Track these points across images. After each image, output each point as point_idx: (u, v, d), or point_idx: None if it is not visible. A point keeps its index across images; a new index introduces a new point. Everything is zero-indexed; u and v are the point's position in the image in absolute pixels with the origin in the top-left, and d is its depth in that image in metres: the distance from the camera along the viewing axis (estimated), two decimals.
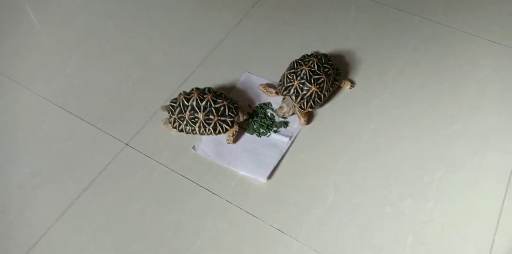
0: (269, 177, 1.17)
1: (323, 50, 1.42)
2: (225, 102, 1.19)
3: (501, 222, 1.08)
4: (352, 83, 1.34)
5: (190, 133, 1.22)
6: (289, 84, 1.24)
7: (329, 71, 1.26)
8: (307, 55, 1.29)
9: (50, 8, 1.60)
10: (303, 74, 1.22)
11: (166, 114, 1.27)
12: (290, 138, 1.24)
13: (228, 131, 1.22)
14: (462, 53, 1.42)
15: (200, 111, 1.18)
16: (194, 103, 1.18)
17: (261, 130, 1.25)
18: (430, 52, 1.42)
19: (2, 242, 1.10)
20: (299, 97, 1.23)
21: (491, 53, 1.41)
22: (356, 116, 1.29)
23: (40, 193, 1.17)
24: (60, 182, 1.18)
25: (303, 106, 1.24)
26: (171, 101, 1.24)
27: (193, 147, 1.23)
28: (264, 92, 1.31)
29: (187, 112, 1.19)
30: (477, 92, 1.32)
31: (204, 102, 1.18)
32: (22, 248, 1.09)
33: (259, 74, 1.38)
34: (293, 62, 1.28)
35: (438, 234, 1.07)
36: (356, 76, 1.37)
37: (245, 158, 1.21)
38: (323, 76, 1.23)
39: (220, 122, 1.19)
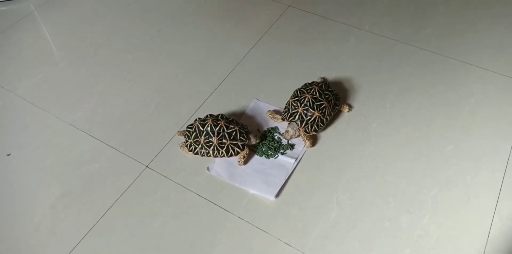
0: (277, 195, 1.25)
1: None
2: (236, 128, 1.29)
3: (491, 235, 1.15)
4: (350, 107, 1.44)
5: (204, 155, 1.31)
6: (294, 111, 1.35)
7: (330, 97, 1.36)
8: (308, 83, 1.39)
9: (74, 44, 1.71)
10: (306, 101, 1.33)
11: (182, 139, 1.38)
12: (296, 159, 1.33)
13: (239, 153, 1.31)
14: (454, 79, 1.50)
15: (214, 136, 1.27)
16: (209, 128, 1.28)
17: (269, 152, 1.35)
18: (424, 79, 1.51)
19: None
20: (304, 122, 1.33)
21: (481, 79, 1.50)
22: (357, 138, 1.37)
23: (69, 212, 1.25)
24: (87, 201, 1.27)
25: (307, 130, 1.34)
26: (188, 127, 1.34)
27: (207, 168, 1.32)
28: (271, 118, 1.41)
29: (202, 137, 1.29)
30: (468, 116, 1.40)
31: (217, 128, 1.27)
32: None
33: (266, 101, 1.48)
34: (296, 90, 1.38)
35: (433, 247, 1.14)
36: (356, 101, 1.46)
37: (255, 178, 1.29)
38: (324, 102, 1.33)
39: (232, 145, 1.29)
